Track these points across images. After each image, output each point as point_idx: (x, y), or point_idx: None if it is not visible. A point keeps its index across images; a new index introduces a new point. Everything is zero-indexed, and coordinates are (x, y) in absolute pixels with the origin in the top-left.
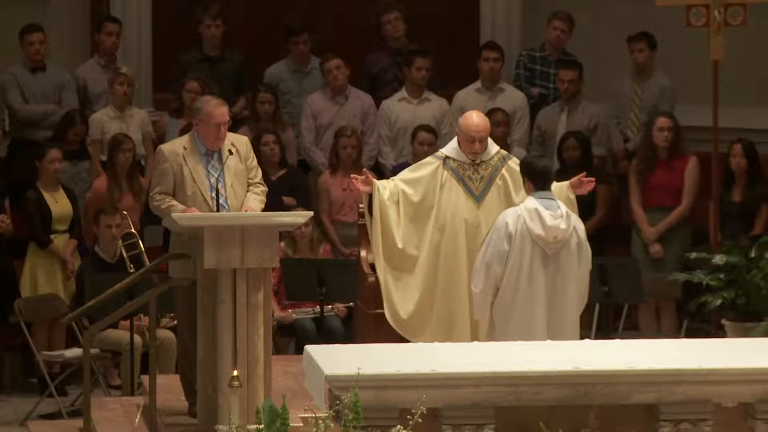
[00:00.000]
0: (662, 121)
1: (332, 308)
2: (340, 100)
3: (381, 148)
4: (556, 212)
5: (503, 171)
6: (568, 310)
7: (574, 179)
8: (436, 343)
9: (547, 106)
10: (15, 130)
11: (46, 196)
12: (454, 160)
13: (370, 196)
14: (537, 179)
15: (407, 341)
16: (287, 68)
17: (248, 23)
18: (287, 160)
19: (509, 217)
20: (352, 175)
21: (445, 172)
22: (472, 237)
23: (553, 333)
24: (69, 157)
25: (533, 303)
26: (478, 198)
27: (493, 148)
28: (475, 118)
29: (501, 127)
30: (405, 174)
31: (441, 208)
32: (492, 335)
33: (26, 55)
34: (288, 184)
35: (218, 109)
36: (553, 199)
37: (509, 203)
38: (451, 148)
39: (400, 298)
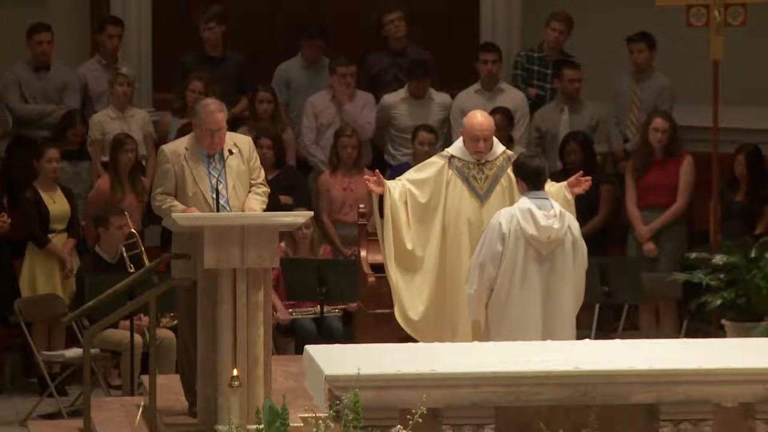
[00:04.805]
0: (658, 122)
1: (338, 309)
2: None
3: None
4: (549, 212)
5: (508, 171)
6: (563, 309)
7: (572, 178)
8: (436, 343)
9: (545, 105)
10: (14, 130)
11: (44, 195)
12: (459, 159)
13: (380, 198)
14: (530, 179)
15: (407, 341)
16: (299, 65)
17: (249, 23)
18: (286, 160)
19: (502, 217)
20: (365, 177)
21: (450, 171)
22: (475, 237)
23: (549, 332)
24: (69, 157)
25: (527, 303)
26: (481, 197)
27: (499, 148)
28: (479, 117)
29: (502, 128)
30: (411, 174)
31: (446, 207)
32: (487, 335)
33: (33, 54)
34: (283, 184)
35: (212, 117)
36: (546, 199)
37: (513, 203)
38: (456, 147)
39: (411, 299)
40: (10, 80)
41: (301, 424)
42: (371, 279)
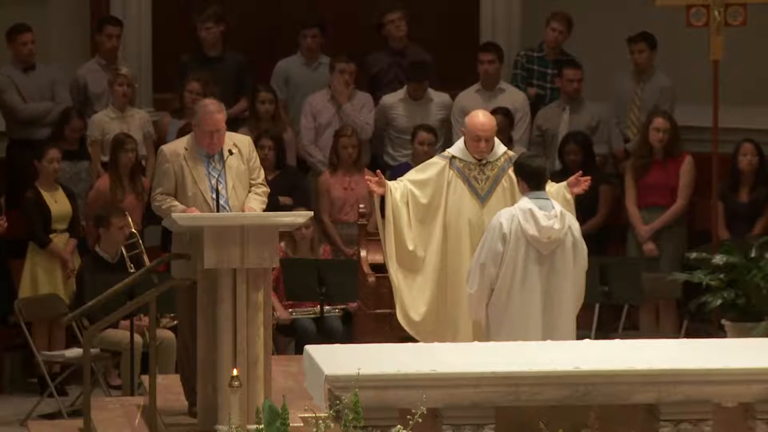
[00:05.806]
0: (658, 121)
1: (338, 309)
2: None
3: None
4: (550, 212)
5: (509, 172)
6: (563, 309)
7: (572, 178)
8: (436, 343)
9: (545, 106)
10: (12, 131)
11: (45, 195)
12: (460, 159)
13: (382, 198)
14: (531, 179)
15: (407, 341)
16: (298, 62)
17: (249, 22)
18: (287, 160)
19: (503, 217)
20: (366, 177)
21: (451, 172)
22: (476, 237)
23: (549, 333)
24: (69, 157)
25: (528, 303)
26: (482, 198)
27: (500, 148)
28: (481, 117)
29: (502, 128)
30: (412, 175)
31: (447, 208)
32: (487, 335)
33: (19, 55)
34: (283, 184)
35: (211, 117)
36: (547, 199)
37: (514, 204)
38: (457, 148)
39: (412, 299)
40: (6, 82)
41: (301, 424)
42: (371, 279)
